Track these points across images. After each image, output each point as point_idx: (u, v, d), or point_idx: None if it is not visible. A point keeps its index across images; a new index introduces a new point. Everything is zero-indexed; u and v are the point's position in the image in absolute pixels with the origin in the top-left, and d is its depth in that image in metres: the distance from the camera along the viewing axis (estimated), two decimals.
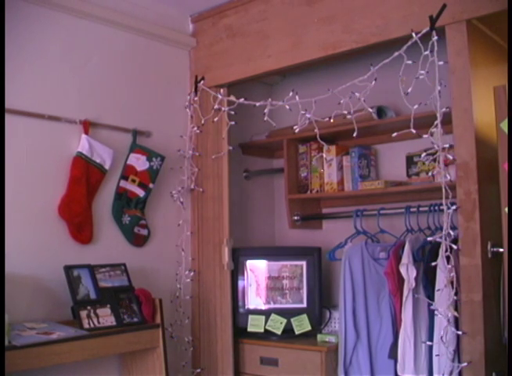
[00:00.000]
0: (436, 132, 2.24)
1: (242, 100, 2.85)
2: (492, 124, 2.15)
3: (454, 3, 2.27)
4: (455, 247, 2.21)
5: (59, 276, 2.48)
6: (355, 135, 2.44)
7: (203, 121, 2.98)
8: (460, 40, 2.28)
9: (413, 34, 2.26)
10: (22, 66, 2.50)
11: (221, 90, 2.97)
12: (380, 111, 2.95)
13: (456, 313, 2.24)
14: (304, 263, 3.07)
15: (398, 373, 2.52)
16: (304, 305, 3.04)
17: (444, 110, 2.24)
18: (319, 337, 2.91)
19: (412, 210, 2.78)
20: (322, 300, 3.06)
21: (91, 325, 2.38)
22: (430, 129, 2.24)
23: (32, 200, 2.50)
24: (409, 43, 2.27)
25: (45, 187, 2.56)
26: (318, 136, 2.56)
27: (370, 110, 2.56)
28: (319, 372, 2.72)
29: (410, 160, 2.93)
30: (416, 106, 2.25)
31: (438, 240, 2.25)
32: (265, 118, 2.65)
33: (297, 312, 3.01)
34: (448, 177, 2.27)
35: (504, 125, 2.02)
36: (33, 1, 2.53)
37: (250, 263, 3.10)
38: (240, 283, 3.08)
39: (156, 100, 3.04)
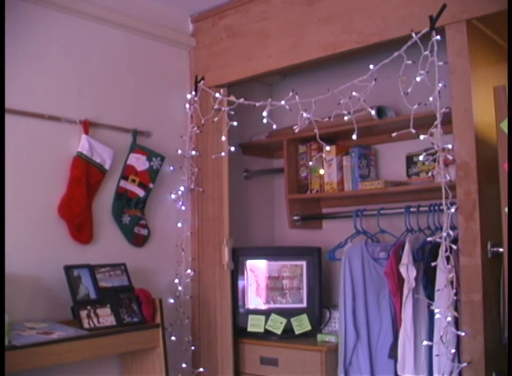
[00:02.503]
0: (436, 132, 2.24)
1: (242, 100, 2.85)
2: (492, 124, 2.15)
3: (454, 3, 2.27)
4: (455, 247, 2.21)
5: (59, 276, 2.48)
6: (354, 137, 2.44)
7: (203, 121, 2.98)
8: (460, 40, 2.29)
9: (413, 34, 2.26)
10: (22, 66, 2.50)
11: (221, 90, 2.97)
12: (380, 111, 2.94)
13: (455, 313, 2.24)
14: (304, 263, 3.07)
15: (398, 373, 2.52)
16: (304, 305, 3.04)
17: (444, 110, 2.24)
18: (319, 337, 2.91)
19: (412, 210, 2.78)
20: (322, 300, 3.05)
21: (91, 325, 2.38)
22: (430, 129, 2.24)
23: (32, 200, 2.50)
24: (409, 43, 2.27)
25: (45, 187, 2.56)
26: (318, 136, 2.56)
27: (370, 110, 2.56)
28: (319, 372, 2.72)
29: (410, 160, 2.93)
30: (416, 106, 2.25)
31: (437, 240, 2.25)
32: (265, 119, 2.65)
33: (297, 312, 3.01)
34: (448, 177, 2.27)
35: (504, 125, 2.02)
36: (33, 1, 2.54)
37: (250, 263, 3.10)
38: (240, 283, 3.08)
39: (156, 100, 3.04)
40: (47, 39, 2.61)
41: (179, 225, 3.05)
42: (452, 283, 2.23)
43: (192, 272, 3.05)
